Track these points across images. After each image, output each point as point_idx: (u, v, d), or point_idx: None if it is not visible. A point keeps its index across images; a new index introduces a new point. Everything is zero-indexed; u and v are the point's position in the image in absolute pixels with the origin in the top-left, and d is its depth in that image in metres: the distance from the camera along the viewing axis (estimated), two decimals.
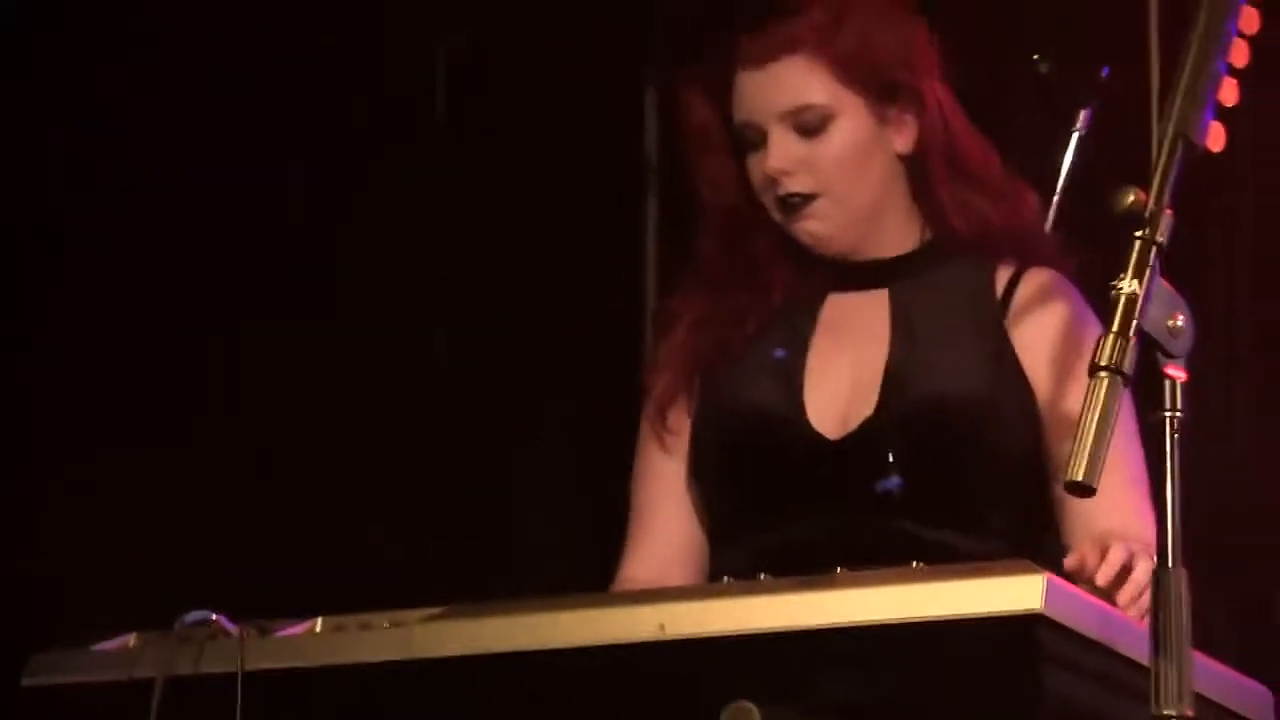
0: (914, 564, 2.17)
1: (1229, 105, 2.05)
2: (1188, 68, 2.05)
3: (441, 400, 4.83)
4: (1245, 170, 3.54)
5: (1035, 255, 2.82)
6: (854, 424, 2.77)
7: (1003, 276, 2.81)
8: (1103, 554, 2.32)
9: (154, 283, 4.74)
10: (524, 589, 4.54)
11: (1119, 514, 2.32)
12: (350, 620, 2.33)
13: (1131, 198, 2.00)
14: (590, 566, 4.24)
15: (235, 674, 2.31)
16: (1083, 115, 2.92)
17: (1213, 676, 2.20)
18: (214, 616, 2.38)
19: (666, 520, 2.93)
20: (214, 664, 2.34)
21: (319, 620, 2.36)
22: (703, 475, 2.89)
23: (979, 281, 2.83)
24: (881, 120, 2.84)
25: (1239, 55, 2.07)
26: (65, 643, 2.51)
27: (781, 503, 2.79)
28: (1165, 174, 2.02)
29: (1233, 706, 2.26)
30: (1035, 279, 2.79)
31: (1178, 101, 2.03)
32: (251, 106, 4.77)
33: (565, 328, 4.87)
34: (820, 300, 2.90)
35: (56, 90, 4.71)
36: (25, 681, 2.49)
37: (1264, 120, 2.83)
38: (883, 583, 2.10)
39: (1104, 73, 2.94)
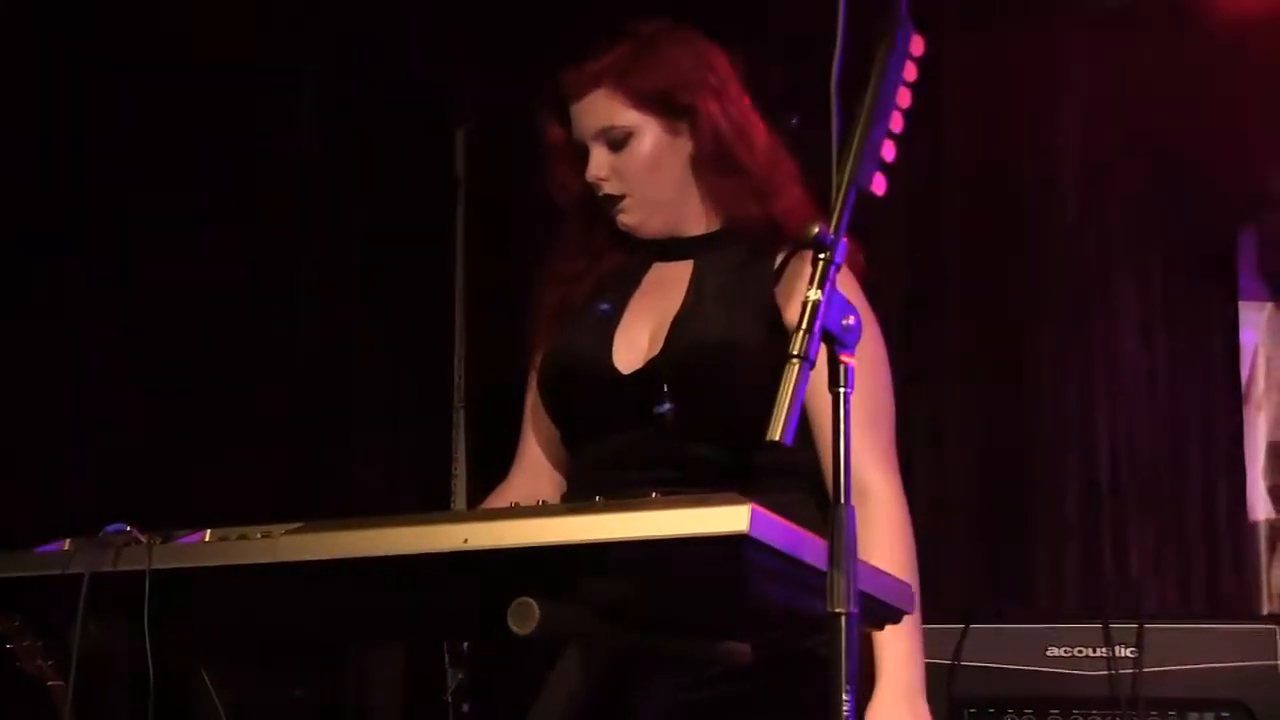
0: (653, 494, 2.12)
1: (889, 161, 2.04)
2: (859, 133, 2.03)
3: (301, 367, 4.78)
4: None
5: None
6: (641, 362, 2.73)
7: (780, 256, 2.76)
8: None
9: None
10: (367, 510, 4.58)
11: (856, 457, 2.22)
12: (232, 531, 2.27)
13: (817, 229, 1.98)
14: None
15: (144, 571, 2.24)
16: None
17: (870, 577, 2.19)
18: (128, 528, 2.32)
19: (534, 436, 2.95)
20: (129, 563, 2.26)
21: (208, 531, 2.30)
22: (544, 402, 2.87)
23: (761, 259, 2.77)
24: (674, 133, 2.81)
25: (897, 123, 2.06)
26: (12, 546, 2.44)
27: (594, 423, 2.77)
28: (842, 212, 2.00)
29: (885, 599, 2.26)
30: (802, 259, 2.75)
31: (851, 159, 2.01)
32: None
33: (393, 307, 4.82)
34: (646, 268, 2.87)
35: None
36: None
37: None
38: (630, 509, 2.06)
39: (794, 120, 2.92)
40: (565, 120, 2.85)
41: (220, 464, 4.53)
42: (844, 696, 1.89)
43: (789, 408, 1.88)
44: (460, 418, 4.85)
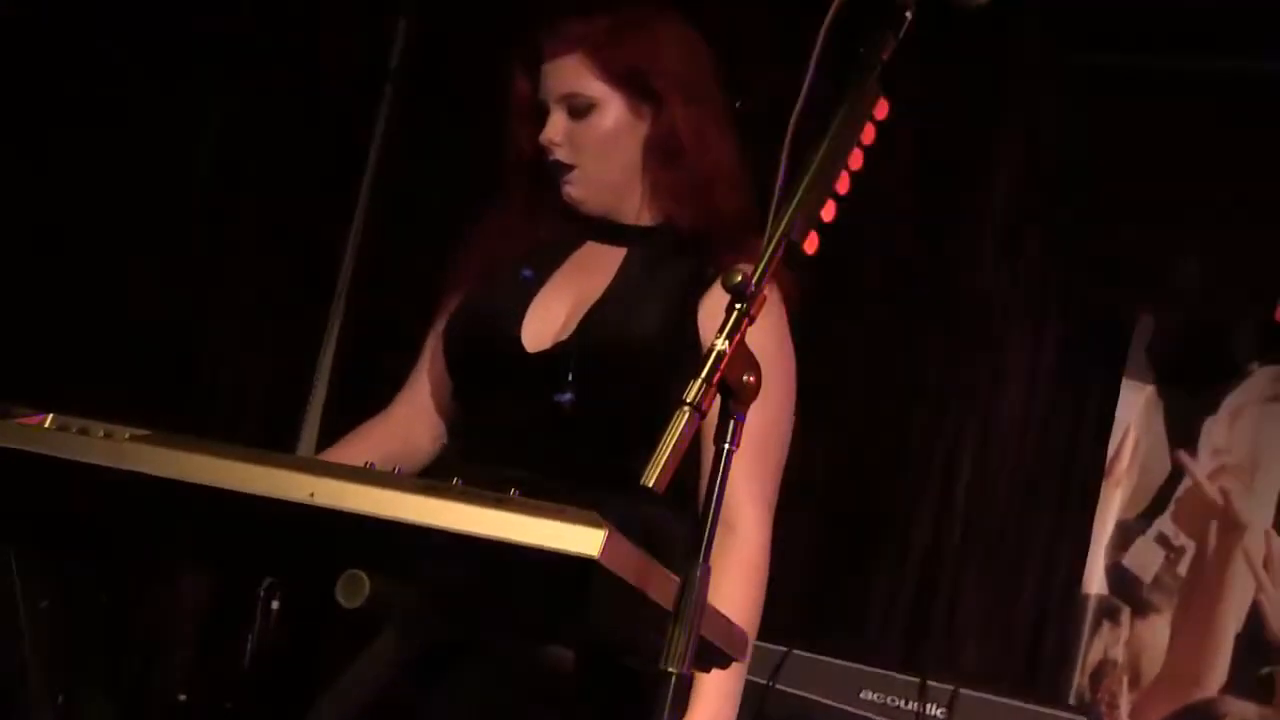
0: (512, 491, 2.03)
1: (827, 222, 1.95)
2: (804, 187, 1.93)
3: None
4: None
5: (743, 255, 2.63)
6: (549, 343, 2.65)
7: (712, 269, 2.64)
8: None
9: None
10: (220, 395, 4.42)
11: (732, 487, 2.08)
12: (75, 423, 2.15)
13: (739, 278, 1.88)
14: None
15: None
16: None
17: (712, 622, 2.12)
18: None
19: (427, 377, 2.86)
20: None
21: (50, 416, 2.18)
22: (445, 356, 2.78)
23: (688, 263, 2.70)
24: (636, 114, 2.73)
25: (843, 185, 1.97)
26: None
27: (489, 391, 2.70)
28: (769, 264, 1.91)
29: (721, 645, 2.19)
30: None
31: (790, 212, 1.91)
32: None
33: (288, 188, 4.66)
34: (579, 244, 2.79)
35: None
36: None
37: None
38: (485, 504, 1.97)
39: (739, 104, 2.83)
40: (534, 77, 2.75)
41: (80, 332, 4.36)
42: None
43: (668, 457, 1.79)
44: (340, 306, 4.71)
